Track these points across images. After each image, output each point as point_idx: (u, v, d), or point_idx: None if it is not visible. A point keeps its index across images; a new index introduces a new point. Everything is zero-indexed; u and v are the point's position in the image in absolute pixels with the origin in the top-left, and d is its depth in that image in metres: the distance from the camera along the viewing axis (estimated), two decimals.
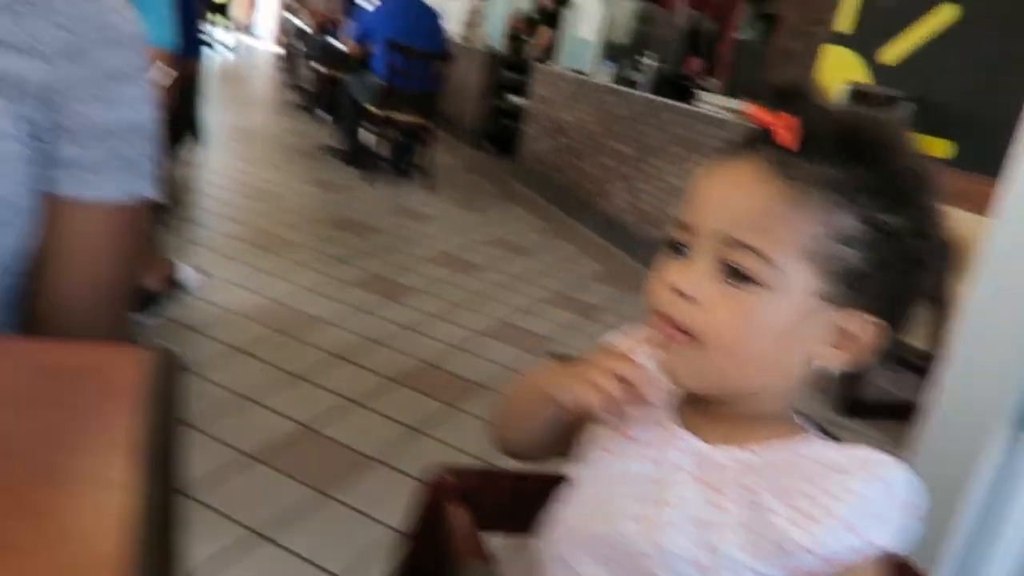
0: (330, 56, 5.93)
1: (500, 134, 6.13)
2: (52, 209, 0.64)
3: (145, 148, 0.67)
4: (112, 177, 0.64)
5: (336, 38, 5.78)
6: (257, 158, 5.13)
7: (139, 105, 0.65)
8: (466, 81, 6.26)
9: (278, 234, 3.48)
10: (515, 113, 5.80)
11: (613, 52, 5.27)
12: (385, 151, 5.12)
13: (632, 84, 4.42)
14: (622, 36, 5.65)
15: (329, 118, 6.40)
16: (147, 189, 0.68)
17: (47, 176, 0.63)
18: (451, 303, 3.04)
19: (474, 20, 7.45)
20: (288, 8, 10.45)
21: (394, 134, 5.00)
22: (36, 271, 0.65)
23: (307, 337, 2.47)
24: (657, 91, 4.13)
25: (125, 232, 0.67)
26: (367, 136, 5.07)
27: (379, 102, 4.59)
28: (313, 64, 6.59)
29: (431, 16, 4.72)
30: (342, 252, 3.40)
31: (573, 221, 4.48)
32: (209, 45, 6.53)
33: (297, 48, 8.62)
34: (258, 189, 4.24)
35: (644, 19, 5.74)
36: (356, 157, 5.06)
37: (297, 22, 8.60)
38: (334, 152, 5.27)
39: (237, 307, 2.59)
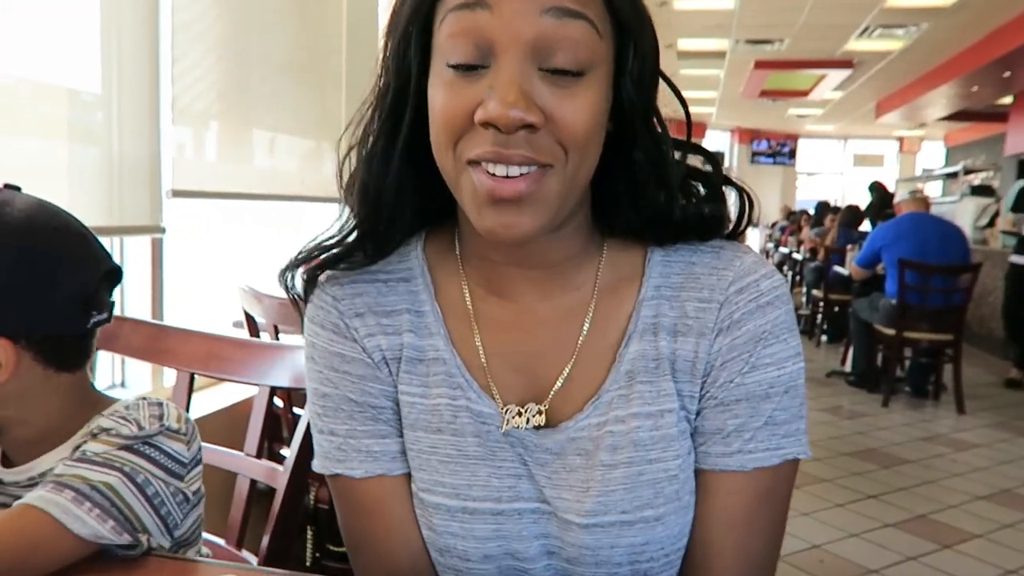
0: (829, 281, 5.96)
1: None
2: (702, 481, 0.63)
3: (792, 406, 0.63)
4: (760, 440, 0.62)
5: (836, 264, 5.81)
6: None
7: (785, 363, 0.63)
8: (990, 288, 5.57)
9: (805, 470, 3.40)
10: None
11: None
12: (901, 372, 4.76)
13: None
14: None
15: (831, 342, 6.29)
16: (796, 449, 0.63)
17: (697, 450, 0.64)
18: None
19: (986, 219, 6.76)
20: (772, 239, 11.00)
21: (912, 354, 4.65)
22: (690, 548, 0.64)
23: None
24: None
25: (774, 497, 0.64)
26: (880, 358, 4.81)
27: (893, 322, 4.36)
28: (811, 291, 6.68)
29: (948, 229, 4.44)
30: (875, 488, 3.14)
31: None
32: None
33: (784, 275, 8.87)
34: None
35: None
36: (869, 380, 4.79)
37: (784, 251, 8.95)
38: (843, 376, 5.08)
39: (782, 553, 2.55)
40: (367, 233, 0.64)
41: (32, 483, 0.77)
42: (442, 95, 0.55)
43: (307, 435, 1.00)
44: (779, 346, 0.62)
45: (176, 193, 1.75)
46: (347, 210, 0.64)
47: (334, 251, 0.65)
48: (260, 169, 2.19)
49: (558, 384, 0.64)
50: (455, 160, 0.56)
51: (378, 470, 0.65)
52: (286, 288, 0.67)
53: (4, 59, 1.36)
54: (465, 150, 0.55)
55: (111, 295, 0.80)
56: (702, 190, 0.66)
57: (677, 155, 0.64)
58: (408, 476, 0.66)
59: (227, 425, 1.69)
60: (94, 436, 0.74)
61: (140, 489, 0.72)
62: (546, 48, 0.53)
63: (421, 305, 0.66)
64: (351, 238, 0.64)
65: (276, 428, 1.75)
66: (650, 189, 0.62)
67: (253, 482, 1.06)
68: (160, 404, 0.78)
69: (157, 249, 1.83)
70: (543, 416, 0.63)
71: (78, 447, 0.74)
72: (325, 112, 2.44)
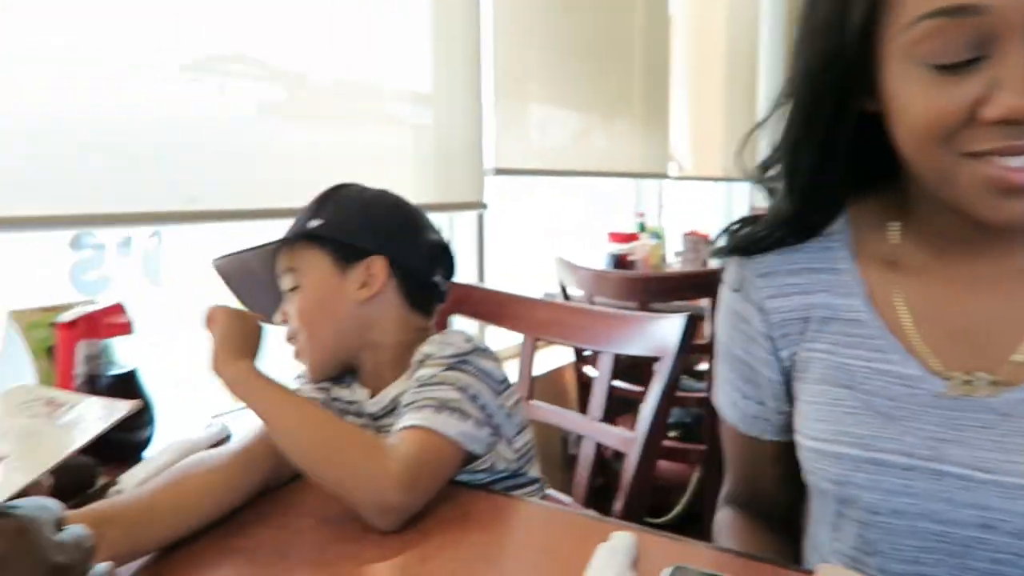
0: None
1: None
2: None
3: None
4: None
5: None
6: None
7: None
8: None
9: None
10: None
11: None
12: None
13: None
14: None
15: None
16: None
17: None
18: None
19: None
20: None
21: None
22: None
23: None
24: None
25: None
26: None
27: None
28: None
29: None
30: None
31: None
32: None
33: None
34: None
35: None
36: None
37: None
38: None
39: None
40: (803, 218, 0.66)
41: (386, 411, 0.86)
42: (923, 96, 0.54)
43: (657, 407, 1.01)
44: None
45: (499, 171, 1.88)
46: (774, 196, 0.68)
47: (766, 238, 0.68)
48: (572, 146, 2.28)
49: (1019, 357, 0.60)
50: (945, 154, 0.54)
51: (741, 425, 0.74)
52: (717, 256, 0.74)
53: (367, 69, 1.58)
54: (964, 145, 0.53)
55: (448, 270, 0.92)
56: None
57: None
58: (775, 444, 0.72)
59: (544, 389, 1.80)
60: (421, 363, 0.82)
61: (473, 401, 0.78)
62: None
63: (838, 263, 0.67)
64: (787, 225, 0.67)
65: (586, 394, 1.82)
66: None
67: (598, 445, 1.10)
68: (463, 332, 0.86)
69: (479, 224, 1.99)
70: (997, 387, 0.60)
71: (412, 373, 0.82)
72: (635, 91, 2.47)
